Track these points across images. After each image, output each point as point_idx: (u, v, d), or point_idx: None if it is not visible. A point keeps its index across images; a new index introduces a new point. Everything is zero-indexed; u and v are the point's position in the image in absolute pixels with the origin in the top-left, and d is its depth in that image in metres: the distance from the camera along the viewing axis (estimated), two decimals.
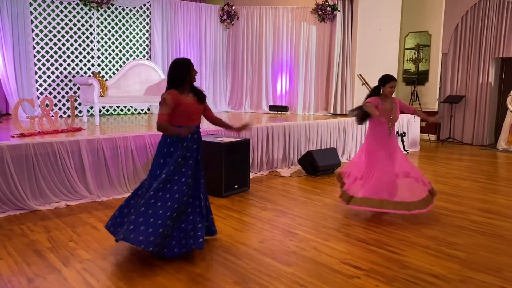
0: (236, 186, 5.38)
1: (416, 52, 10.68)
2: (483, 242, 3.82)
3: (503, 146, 9.28)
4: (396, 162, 4.48)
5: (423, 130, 10.30)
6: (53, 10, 7.61)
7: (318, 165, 6.41)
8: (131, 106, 8.81)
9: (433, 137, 10.63)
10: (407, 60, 10.86)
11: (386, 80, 4.41)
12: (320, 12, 8.99)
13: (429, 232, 4.07)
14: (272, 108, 9.49)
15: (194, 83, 3.50)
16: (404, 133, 8.71)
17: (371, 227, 4.19)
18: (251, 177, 5.96)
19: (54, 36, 7.68)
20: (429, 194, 4.45)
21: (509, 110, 9.13)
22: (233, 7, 9.75)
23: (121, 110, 8.77)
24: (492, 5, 9.54)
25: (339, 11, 8.89)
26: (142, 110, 9.00)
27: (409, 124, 9.03)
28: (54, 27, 7.66)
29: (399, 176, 4.48)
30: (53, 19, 7.64)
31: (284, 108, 9.32)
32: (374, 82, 9.10)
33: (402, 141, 8.71)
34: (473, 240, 3.88)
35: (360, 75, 9.04)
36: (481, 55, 9.78)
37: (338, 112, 9.05)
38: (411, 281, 3.02)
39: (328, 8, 8.91)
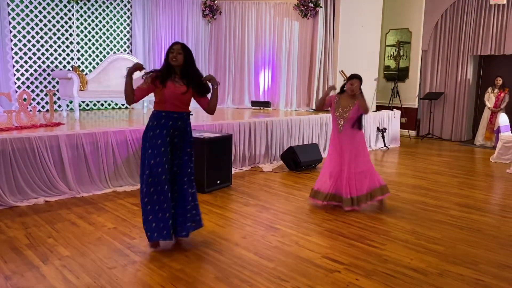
0: (218, 182, 5.37)
1: (397, 49, 10.81)
2: (461, 236, 3.90)
3: (480, 142, 9.48)
4: (344, 158, 4.52)
5: (403, 126, 10.46)
6: (30, 2, 7.44)
7: (300, 160, 6.44)
8: (111, 101, 8.70)
9: (413, 133, 10.79)
10: (388, 56, 10.98)
11: (349, 77, 4.61)
12: (302, 8, 9.01)
13: (409, 226, 4.13)
14: (254, 103, 9.48)
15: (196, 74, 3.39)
16: (385, 129, 8.83)
17: (352, 222, 4.24)
18: (233, 172, 5.96)
19: (32, 28, 7.51)
20: (379, 188, 4.55)
21: (486, 107, 9.33)
22: (216, 2, 9.69)
23: (102, 104, 8.65)
24: (470, 3, 9.71)
25: (321, 7, 8.92)
26: (123, 105, 8.89)
27: (389, 120, 9.15)
28: (32, 20, 7.49)
29: (345, 171, 4.52)
30: (31, 11, 7.47)
31: (266, 104, 9.32)
32: None
33: (383, 136, 8.84)
34: (451, 234, 3.96)
35: (341, 71, 9.06)
36: (460, 53, 9.96)
37: None
38: (390, 275, 3.07)
39: (311, 4, 8.94)
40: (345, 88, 4.61)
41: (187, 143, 3.45)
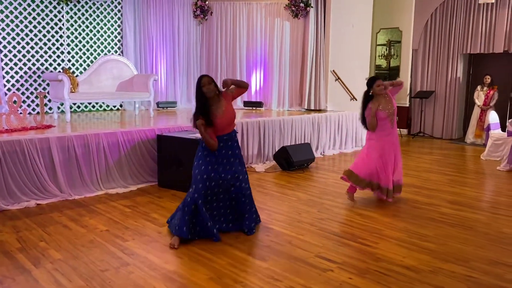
0: None
1: (388, 48, 10.87)
2: (452, 234, 3.94)
3: (471, 140, 9.56)
4: (396, 149, 4.87)
5: None
6: (20, 4, 7.38)
7: (292, 160, 6.45)
8: (103, 103, 8.65)
9: (404, 131, 10.86)
10: (379, 56, 11.05)
11: (371, 81, 4.78)
12: (293, 8, 9.02)
13: (401, 224, 4.16)
14: (246, 104, 9.48)
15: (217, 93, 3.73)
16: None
17: (344, 221, 4.26)
18: None
19: (22, 30, 7.45)
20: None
21: (476, 105, 9.41)
22: (207, 2, 9.68)
23: (93, 106, 8.60)
24: (459, 3, 9.80)
25: (312, 7, 8.94)
26: (114, 106, 8.86)
27: None
28: (21, 21, 7.43)
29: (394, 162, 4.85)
30: (20, 13, 7.41)
31: (258, 104, 9.33)
32: (347, 78, 9.28)
33: None
34: (443, 231, 3.99)
35: (333, 70, 9.13)
36: (449, 51, 10.04)
37: (312, 107, 9.12)
38: (383, 273, 3.09)
39: (301, 4, 8.96)
40: (371, 93, 4.76)
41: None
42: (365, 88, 4.86)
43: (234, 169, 3.84)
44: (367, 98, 4.79)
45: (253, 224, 3.92)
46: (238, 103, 9.71)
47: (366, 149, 4.89)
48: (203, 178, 3.66)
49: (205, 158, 3.74)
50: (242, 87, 3.90)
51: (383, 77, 10.85)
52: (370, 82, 4.77)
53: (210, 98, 3.66)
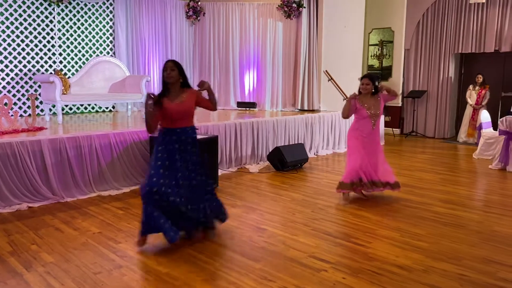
0: None
1: (380, 48, 10.91)
2: (445, 232, 3.96)
3: (463, 139, 9.63)
4: (376, 150, 4.93)
5: (387, 124, 10.57)
6: (10, 5, 7.31)
7: (286, 160, 6.46)
8: (95, 104, 8.60)
9: (397, 131, 10.90)
10: (371, 56, 11.09)
11: (361, 78, 4.91)
12: (286, 9, 9.03)
13: (394, 224, 4.18)
14: (240, 104, 9.48)
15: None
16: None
17: (338, 221, 4.27)
18: (219, 174, 5.94)
19: (12, 32, 7.39)
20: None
21: (468, 104, 9.48)
22: (199, 3, 9.66)
23: (85, 108, 8.55)
24: (451, 3, 9.87)
25: (304, 7, 8.96)
26: (106, 108, 8.81)
27: None
28: (12, 23, 7.37)
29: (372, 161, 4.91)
30: (11, 14, 7.34)
31: (252, 105, 9.33)
32: (340, 78, 9.29)
33: None
34: (436, 230, 4.01)
35: (326, 71, 9.15)
36: (441, 51, 10.11)
37: (306, 108, 9.13)
38: (376, 273, 3.09)
39: (294, 5, 8.97)
40: (360, 90, 4.83)
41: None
42: (356, 88, 4.97)
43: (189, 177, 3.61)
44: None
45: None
46: (231, 103, 9.72)
47: (347, 152, 5.04)
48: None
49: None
50: (211, 102, 3.71)
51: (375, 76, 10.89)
52: (362, 78, 4.93)
53: (171, 84, 3.49)
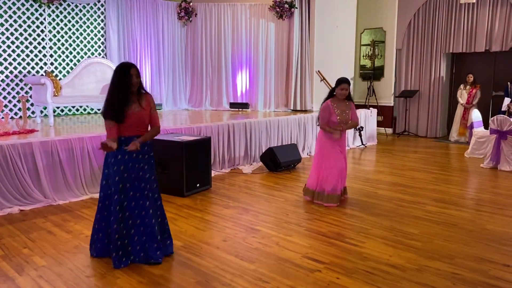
0: (198, 185, 5.34)
1: (372, 48, 10.96)
2: (438, 231, 3.98)
3: (455, 138, 9.69)
4: (343, 156, 4.86)
5: (380, 124, 10.61)
6: (0, 7, 7.25)
7: (279, 161, 6.46)
8: (86, 106, 8.55)
9: (389, 130, 10.95)
10: (363, 56, 11.13)
11: (338, 82, 4.73)
12: (278, 9, 9.04)
13: (387, 223, 4.19)
14: (232, 105, 9.47)
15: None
16: (362, 127, 8.94)
17: (331, 221, 4.27)
18: (213, 175, 5.93)
19: (2, 33, 7.32)
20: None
21: (459, 103, 9.54)
22: (191, 4, 9.64)
23: (77, 110, 8.50)
24: (441, 3, 9.93)
25: (296, 8, 8.97)
26: (98, 109, 8.75)
27: (366, 119, 9.27)
28: (2, 24, 7.30)
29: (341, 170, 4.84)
30: (1, 15, 7.28)
31: (244, 105, 9.32)
32: (332, 78, 9.29)
33: (360, 135, 8.94)
34: (428, 229, 4.03)
35: (318, 71, 9.17)
36: (433, 51, 10.17)
37: (298, 108, 9.14)
38: (370, 272, 3.10)
39: (286, 5, 8.98)
40: (335, 93, 4.74)
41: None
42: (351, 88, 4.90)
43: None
44: (330, 95, 4.80)
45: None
46: (224, 104, 9.71)
47: (314, 158, 4.98)
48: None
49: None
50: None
51: (367, 76, 10.95)
52: (337, 83, 4.70)
53: (132, 92, 3.20)
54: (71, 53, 8.21)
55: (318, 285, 2.92)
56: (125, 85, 3.16)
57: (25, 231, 3.97)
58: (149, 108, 3.31)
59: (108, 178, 3.29)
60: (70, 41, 8.17)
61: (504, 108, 8.28)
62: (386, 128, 10.91)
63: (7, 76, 7.44)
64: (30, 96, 7.39)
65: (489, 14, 9.26)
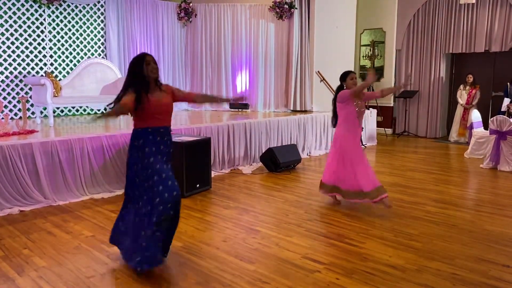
0: (198, 186, 5.34)
1: (372, 49, 10.97)
2: (438, 232, 3.98)
3: (454, 138, 9.70)
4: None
5: (379, 124, 10.62)
6: (0, 7, 7.25)
7: (279, 161, 6.46)
8: (86, 107, 8.56)
9: (389, 131, 10.96)
10: (363, 56, 11.14)
11: (345, 75, 4.65)
12: (277, 10, 9.05)
13: (387, 224, 4.20)
14: (232, 106, 9.47)
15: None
16: (362, 128, 8.93)
17: (331, 221, 4.28)
18: (213, 175, 5.94)
19: (2, 34, 7.33)
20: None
21: (459, 104, 9.55)
22: (191, 4, 9.65)
23: (77, 110, 8.50)
24: (441, 3, 9.94)
25: (296, 8, 8.97)
26: (98, 110, 8.75)
27: (366, 119, 9.27)
28: (1, 25, 7.30)
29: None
30: (1, 16, 7.28)
31: (244, 106, 9.32)
32: (332, 79, 9.30)
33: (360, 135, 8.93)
34: (428, 230, 4.04)
35: (318, 71, 9.17)
36: (432, 51, 10.18)
37: (298, 108, 9.15)
38: (370, 273, 3.11)
39: (286, 6, 8.99)
40: (345, 87, 4.64)
41: None
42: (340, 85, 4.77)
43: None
44: (339, 90, 4.69)
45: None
46: (224, 105, 9.70)
47: (330, 152, 4.83)
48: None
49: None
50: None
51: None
52: (344, 76, 4.63)
53: (151, 81, 3.08)
54: (71, 53, 8.22)
55: (318, 285, 2.92)
56: (141, 73, 3.02)
57: (25, 231, 3.97)
58: (172, 93, 3.21)
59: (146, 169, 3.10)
60: (70, 41, 8.18)
61: (503, 108, 8.30)
62: (385, 129, 10.91)
63: (7, 77, 7.44)
64: (30, 97, 7.39)
65: (488, 15, 9.27)
